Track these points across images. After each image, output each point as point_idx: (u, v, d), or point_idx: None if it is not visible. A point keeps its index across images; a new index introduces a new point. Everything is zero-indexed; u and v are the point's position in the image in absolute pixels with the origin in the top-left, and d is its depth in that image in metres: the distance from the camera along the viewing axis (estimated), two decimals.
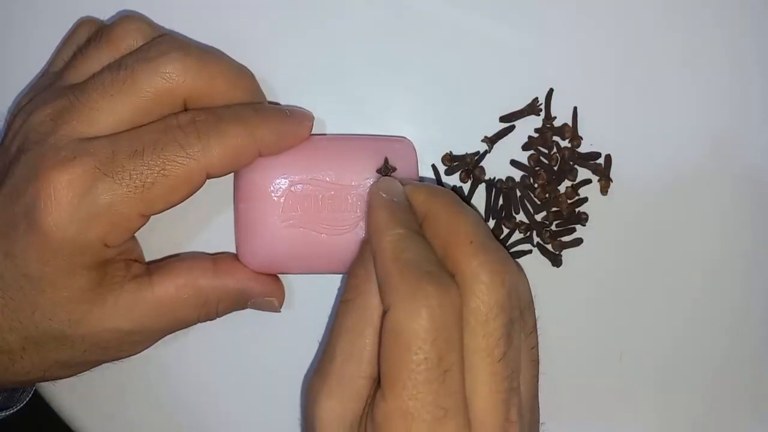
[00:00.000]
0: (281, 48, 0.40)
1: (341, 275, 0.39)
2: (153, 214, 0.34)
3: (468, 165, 0.40)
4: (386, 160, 0.36)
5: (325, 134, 0.40)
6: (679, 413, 0.42)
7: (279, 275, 0.39)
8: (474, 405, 0.31)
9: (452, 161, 0.40)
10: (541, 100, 0.41)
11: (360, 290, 0.33)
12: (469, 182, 0.41)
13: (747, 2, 0.41)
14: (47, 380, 0.38)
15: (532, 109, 0.40)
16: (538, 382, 0.34)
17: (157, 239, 0.39)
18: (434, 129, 0.40)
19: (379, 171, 0.36)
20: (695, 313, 0.42)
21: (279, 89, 0.40)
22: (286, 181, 0.36)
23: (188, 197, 0.35)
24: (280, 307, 0.38)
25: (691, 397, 0.42)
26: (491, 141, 0.40)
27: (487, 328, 0.31)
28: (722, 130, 0.41)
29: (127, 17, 0.36)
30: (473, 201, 0.41)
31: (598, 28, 0.41)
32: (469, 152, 0.41)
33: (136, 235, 0.37)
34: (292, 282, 0.40)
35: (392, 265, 0.31)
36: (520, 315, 0.32)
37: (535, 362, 0.33)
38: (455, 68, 0.41)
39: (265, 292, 0.38)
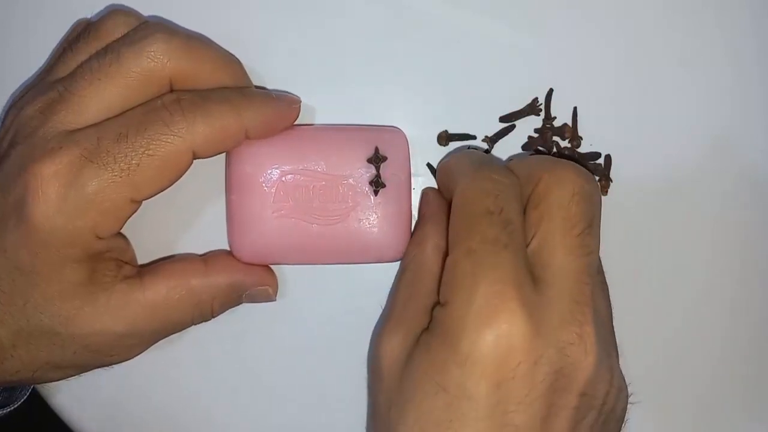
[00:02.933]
0: (280, 49, 0.40)
1: (334, 266, 0.39)
2: (143, 199, 0.34)
3: None
4: (377, 150, 0.36)
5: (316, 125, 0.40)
6: (678, 413, 0.42)
7: (272, 267, 0.39)
8: (551, 264, 0.32)
9: None
10: (541, 100, 0.41)
11: (416, 252, 0.36)
12: None
13: (747, 2, 0.41)
14: (37, 382, 0.38)
15: (532, 109, 0.40)
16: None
17: (149, 233, 0.39)
18: (434, 129, 0.40)
19: (369, 161, 0.36)
20: (694, 312, 0.41)
21: (273, 86, 0.40)
22: (278, 171, 0.36)
23: (176, 179, 0.35)
24: (275, 296, 0.38)
25: (690, 396, 0.41)
26: (491, 141, 0.40)
27: (569, 210, 0.32)
28: (722, 129, 0.41)
29: (115, 11, 0.37)
30: None
31: (598, 28, 0.41)
32: None
33: (128, 234, 0.37)
34: (285, 274, 0.40)
35: (466, 166, 0.35)
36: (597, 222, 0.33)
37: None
38: (455, 68, 0.41)
39: (257, 282, 0.38)
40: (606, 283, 0.35)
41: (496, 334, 0.30)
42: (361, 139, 0.37)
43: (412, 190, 0.38)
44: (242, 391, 0.41)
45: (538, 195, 0.33)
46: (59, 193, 0.33)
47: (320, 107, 0.40)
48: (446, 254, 0.33)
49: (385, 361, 0.33)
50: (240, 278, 0.37)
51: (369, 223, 0.36)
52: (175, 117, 0.33)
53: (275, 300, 0.39)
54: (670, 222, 0.41)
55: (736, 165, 0.41)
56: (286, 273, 0.40)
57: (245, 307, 0.39)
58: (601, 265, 0.35)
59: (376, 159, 0.36)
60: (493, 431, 0.30)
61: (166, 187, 0.35)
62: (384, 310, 0.39)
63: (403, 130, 0.39)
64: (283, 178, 0.36)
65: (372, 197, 0.36)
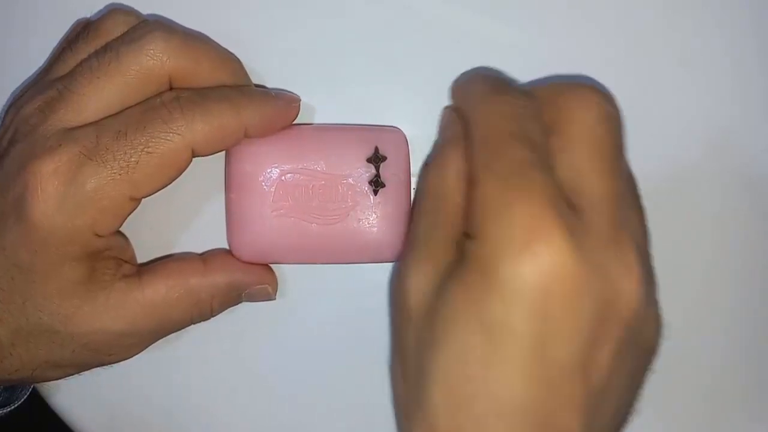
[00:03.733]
0: (280, 48, 0.40)
1: (333, 266, 0.39)
2: (142, 197, 0.34)
3: None
4: (376, 149, 0.36)
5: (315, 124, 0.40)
6: (678, 413, 0.42)
7: (272, 266, 0.39)
8: (585, 190, 0.30)
9: None
10: None
11: (437, 177, 0.34)
12: None
13: (747, 2, 0.41)
14: (36, 381, 0.38)
15: None
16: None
17: (148, 232, 0.39)
18: (434, 129, 0.40)
19: (369, 160, 0.36)
20: (694, 312, 0.41)
21: (273, 86, 0.40)
22: (277, 170, 0.36)
23: (175, 177, 0.35)
24: (275, 295, 0.38)
25: (690, 396, 0.42)
26: None
27: (597, 134, 0.31)
28: (722, 129, 0.41)
29: (114, 10, 0.37)
30: None
31: (598, 28, 0.41)
32: None
33: (128, 233, 0.37)
34: (285, 274, 0.40)
35: (479, 92, 0.33)
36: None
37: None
38: (455, 68, 0.40)
39: (256, 281, 0.38)
40: (643, 208, 0.34)
41: (538, 261, 0.28)
42: (361, 139, 0.37)
43: (412, 190, 0.38)
44: (242, 391, 0.41)
45: (562, 120, 0.32)
46: (58, 191, 0.33)
47: (320, 107, 0.40)
48: (469, 182, 0.31)
49: (412, 296, 0.32)
50: (239, 277, 0.37)
51: (368, 223, 0.36)
52: (174, 115, 0.33)
53: (275, 299, 0.39)
54: (670, 222, 0.41)
55: (736, 164, 0.41)
56: (285, 273, 0.40)
57: (245, 308, 0.39)
58: (638, 189, 0.34)
59: (376, 159, 0.36)
60: (535, 366, 0.28)
61: (166, 185, 0.35)
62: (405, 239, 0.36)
63: (403, 130, 0.39)
64: (283, 177, 0.36)
65: (371, 197, 0.36)
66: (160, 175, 0.34)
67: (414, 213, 0.35)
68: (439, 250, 0.32)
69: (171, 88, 0.35)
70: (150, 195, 0.35)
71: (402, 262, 0.33)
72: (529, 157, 0.29)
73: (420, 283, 0.32)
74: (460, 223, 0.32)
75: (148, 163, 0.33)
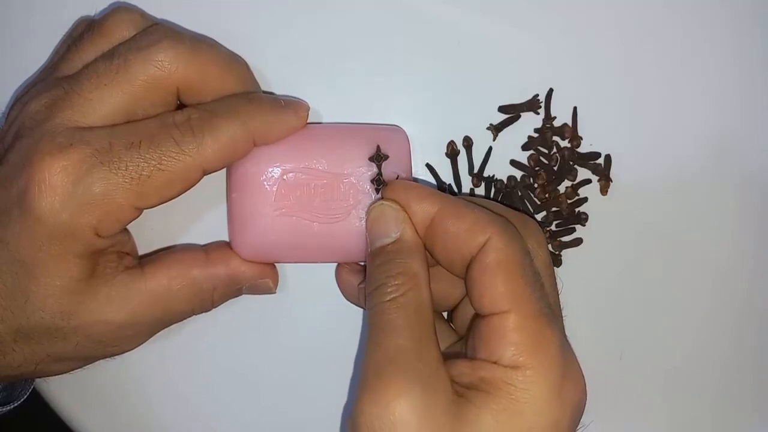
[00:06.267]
0: (283, 47, 0.40)
1: (334, 264, 0.39)
2: (146, 208, 0.35)
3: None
4: (378, 148, 0.36)
5: (317, 123, 0.40)
6: (679, 413, 0.42)
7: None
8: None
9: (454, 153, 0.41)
10: (541, 99, 0.41)
11: (408, 286, 0.32)
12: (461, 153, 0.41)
13: (749, 2, 0.41)
14: (39, 375, 0.38)
15: (531, 105, 0.41)
16: None
17: (149, 231, 0.39)
18: (435, 128, 0.41)
19: (371, 159, 0.36)
20: (695, 313, 0.41)
21: (275, 85, 0.40)
22: (279, 170, 0.36)
23: (182, 193, 0.35)
24: (275, 288, 0.38)
25: (691, 396, 0.42)
26: (497, 129, 0.41)
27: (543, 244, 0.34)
28: (722, 129, 0.41)
29: (119, 8, 0.37)
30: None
31: (599, 28, 0.41)
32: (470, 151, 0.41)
33: (129, 229, 0.37)
34: (286, 271, 0.40)
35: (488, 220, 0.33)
36: None
37: None
38: (456, 67, 0.41)
39: (257, 274, 0.38)
40: None
41: (581, 388, 0.32)
42: (363, 138, 0.37)
43: None
44: (243, 391, 0.41)
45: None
46: (66, 188, 0.33)
47: (322, 106, 0.40)
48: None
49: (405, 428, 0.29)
50: (241, 269, 0.37)
51: None
52: (186, 137, 0.34)
53: (275, 292, 0.39)
54: (670, 222, 0.41)
55: (735, 164, 0.41)
56: (286, 271, 0.40)
57: (246, 308, 0.39)
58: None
59: (378, 157, 0.36)
60: None
61: (170, 200, 0.35)
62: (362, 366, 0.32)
63: (405, 129, 0.39)
64: (285, 177, 0.36)
65: (373, 196, 0.36)
66: (168, 190, 0.34)
67: (380, 328, 0.31)
68: (428, 370, 0.30)
69: (178, 93, 0.35)
70: (154, 207, 0.35)
71: (368, 390, 0.30)
72: (544, 295, 0.32)
73: (405, 411, 0.29)
74: (436, 342, 0.32)
75: (159, 178, 0.33)
